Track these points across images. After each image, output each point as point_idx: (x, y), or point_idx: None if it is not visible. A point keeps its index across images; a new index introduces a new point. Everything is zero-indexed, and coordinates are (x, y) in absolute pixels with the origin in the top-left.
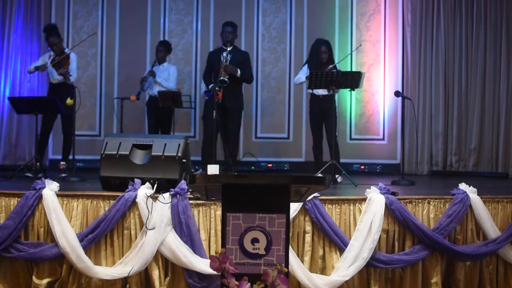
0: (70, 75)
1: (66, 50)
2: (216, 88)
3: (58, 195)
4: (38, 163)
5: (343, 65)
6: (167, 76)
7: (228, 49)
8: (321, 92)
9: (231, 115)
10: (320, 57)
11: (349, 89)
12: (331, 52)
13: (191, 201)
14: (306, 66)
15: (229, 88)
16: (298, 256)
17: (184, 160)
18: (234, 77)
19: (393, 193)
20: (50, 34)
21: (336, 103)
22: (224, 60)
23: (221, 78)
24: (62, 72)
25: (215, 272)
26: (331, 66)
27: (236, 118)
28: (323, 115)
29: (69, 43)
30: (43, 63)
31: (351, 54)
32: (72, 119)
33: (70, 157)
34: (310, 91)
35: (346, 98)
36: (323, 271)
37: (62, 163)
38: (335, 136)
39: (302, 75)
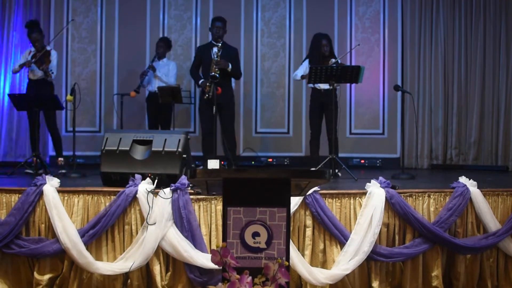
0: (52, 72)
1: (48, 47)
2: (207, 83)
3: (59, 191)
4: (38, 160)
5: (342, 59)
6: (166, 72)
7: (220, 45)
8: (323, 86)
9: (225, 110)
10: (322, 50)
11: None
12: (331, 45)
13: (191, 196)
14: (307, 61)
15: (220, 84)
16: (299, 250)
17: (185, 155)
18: (225, 72)
19: (393, 187)
20: (32, 30)
21: (337, 97)
22: (216, 56)
23: (212, 73)
24: (44, 68)
25: (216, 267)
26: (333, 60)
27: (230, 112)
28: (324, 109)
29: (69, 39)
30: (25, 60)
31: (350, 51)
32: (54, 115)
33: (70, 153)
34: (311, 85)
35: (346, 93)
36: (324, 264)
37: (60, 159)
38: (335, 131)
39: (300, 71)
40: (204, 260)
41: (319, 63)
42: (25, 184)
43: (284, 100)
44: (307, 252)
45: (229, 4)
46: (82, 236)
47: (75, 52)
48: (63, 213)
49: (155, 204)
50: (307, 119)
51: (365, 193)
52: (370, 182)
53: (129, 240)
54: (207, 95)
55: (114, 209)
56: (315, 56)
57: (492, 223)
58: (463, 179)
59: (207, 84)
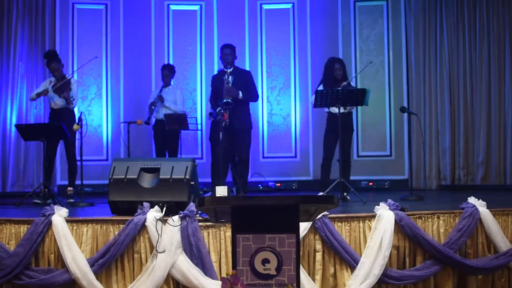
0: (73, 99)
1: (67, 76)
2: (222, 111)
3: (67, 221)
4: (46, 190)
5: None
6: (173, 99)
7: (229, 70)
8: (337, 110)
9: (240, 136)
10: (335, 74)
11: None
12: (345, 69)
13: (200, 223)
14: (321, 86)
15: (236, 109)
16: (309, 275)
17: (192, 182)
18: (237, 100)
19: (402, 209)
20: (51, 60)
21: (353, 120)
22: (226, 83)
23: (225, 100)
24: (65, 96)
25: None
26: (345, 83)
27: (245, 139)
28: (339, 132)
29: (74, 68)
30: (44, 89)
31: (356, 75)
32: (75, 144)
33: (78, 182)
34: (326, 109)
35: (353, 115)
36: None
37: (69, 188)
38: (349, 154)
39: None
40: (214, 287)
41: (333, 87)
42: (34, 215)
43: (290, 124)
44: (318, 276)
45: (234, 29)
46: (91, 266)
47: (81, 81)
48: (72, 242)
49: (164, 232)
50: (315, 143)
51: (374, 216)
52: (378, 205)
53: (139, 269)
54: (224, 122)
55: (123, 237)
56: (328, 80)
57: (503, 243)
58: (472, 200)
59: (222, 111)
